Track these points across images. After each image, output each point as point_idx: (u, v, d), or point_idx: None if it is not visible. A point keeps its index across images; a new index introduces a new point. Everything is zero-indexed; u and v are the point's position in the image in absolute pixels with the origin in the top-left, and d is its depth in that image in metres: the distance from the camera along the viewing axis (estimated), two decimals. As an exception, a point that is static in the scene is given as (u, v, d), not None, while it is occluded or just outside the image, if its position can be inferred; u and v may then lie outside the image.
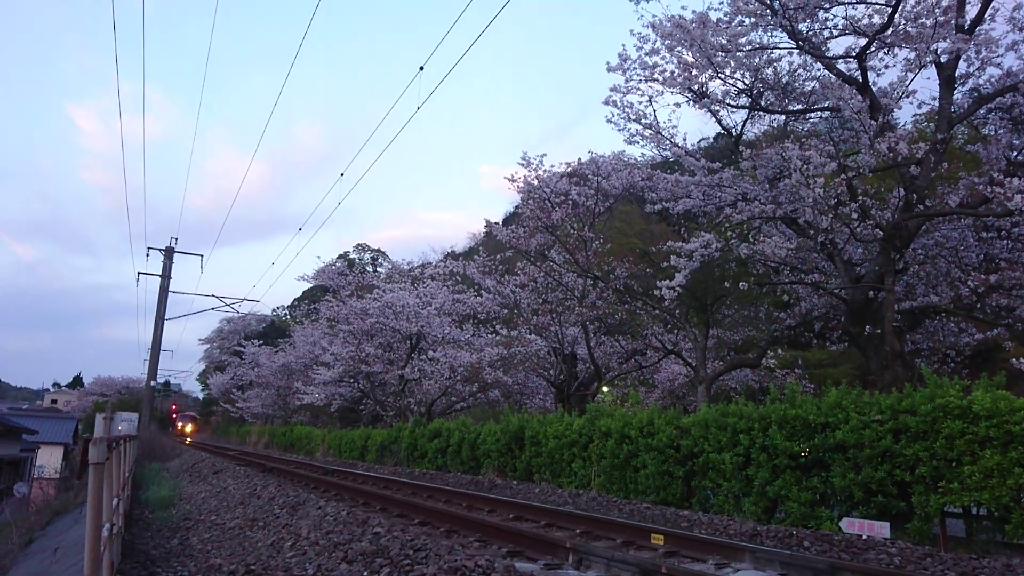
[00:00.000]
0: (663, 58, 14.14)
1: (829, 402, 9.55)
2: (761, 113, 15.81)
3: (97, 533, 4.75)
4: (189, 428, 74.47)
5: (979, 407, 7.85)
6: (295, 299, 67.28)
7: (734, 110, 15.65)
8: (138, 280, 40.42)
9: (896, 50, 13.19)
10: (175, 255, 36.15)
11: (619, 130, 16.14)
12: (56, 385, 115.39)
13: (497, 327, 28.16)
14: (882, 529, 8.24)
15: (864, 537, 8.19)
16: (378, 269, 61.23)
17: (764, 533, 8.63)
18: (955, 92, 13.29)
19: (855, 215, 13.13)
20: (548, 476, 14.92)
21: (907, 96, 13.63)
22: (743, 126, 16.30)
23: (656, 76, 14.36)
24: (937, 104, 13.25)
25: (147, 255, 39.32)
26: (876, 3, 12.67)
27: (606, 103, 15.53)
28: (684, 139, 16.42)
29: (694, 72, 14.01)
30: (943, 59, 12.58)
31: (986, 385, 8.23)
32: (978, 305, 13.77)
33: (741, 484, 10.36)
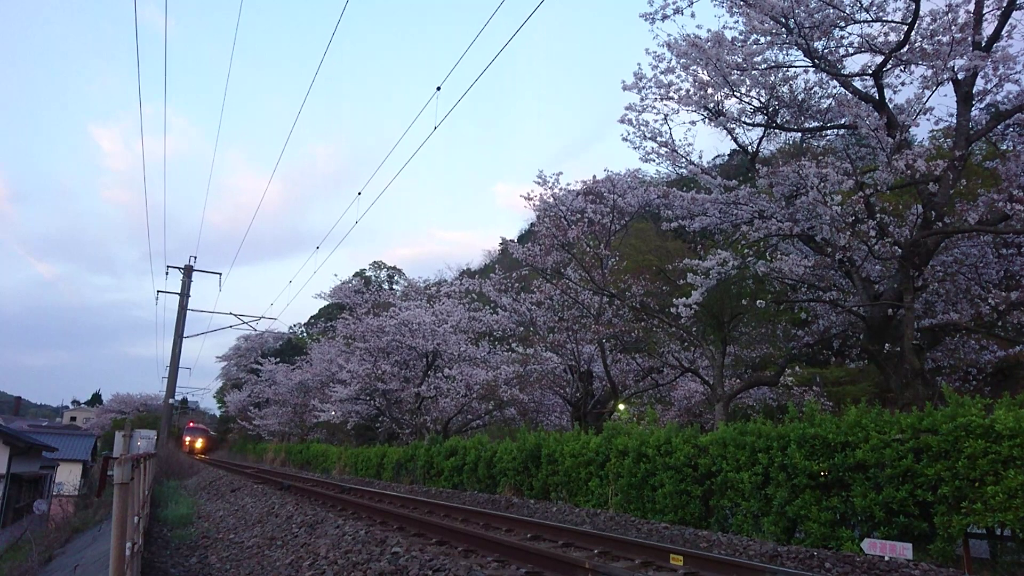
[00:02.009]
0: (679, 77, 14.24)
1: (849, 421, 9.46)
2: (777, 131, 15.82)
3: (121, 552, 4.81)
4: (200, 444, 71.75)
5: (1002, 426, 7.75)
6: (312, 317, 67.66)
7: (750, 128, 15.68)
8: (157, 298, 41.12)
9: (913, 67, 13.18)
10: (194, 273, 36.64)
11: (635, 148, 16.20)
12: (75, 402, 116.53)
13: (513, 345, 28.22)
14: (904, 550, 8.13)
15: (886, 558, 8.08)
16: (394, 287, 61.60)
17: (784, 554, 8.55)
18: (973, 108, 13.24)
19: (873, 232, 13.07)
20: (565, 495, 14.85)
21: (924, 113, 13.58)
22: (759, 144, 16.30)
23: (672, 94, 14.44)
24: (955, 121, 13.20)
25: (166, 273, 39.89)
26: (892, 21, 12.70)
27: (622, 121, 15.63)
28: (700, 157, 16.44)
29: (710, 90, 14.07)
30: (960, 76, 12.56)
31: (1009, 404, 8.13)
32: (999, 322, 13.62)
33: (760, 504, 10.27)
